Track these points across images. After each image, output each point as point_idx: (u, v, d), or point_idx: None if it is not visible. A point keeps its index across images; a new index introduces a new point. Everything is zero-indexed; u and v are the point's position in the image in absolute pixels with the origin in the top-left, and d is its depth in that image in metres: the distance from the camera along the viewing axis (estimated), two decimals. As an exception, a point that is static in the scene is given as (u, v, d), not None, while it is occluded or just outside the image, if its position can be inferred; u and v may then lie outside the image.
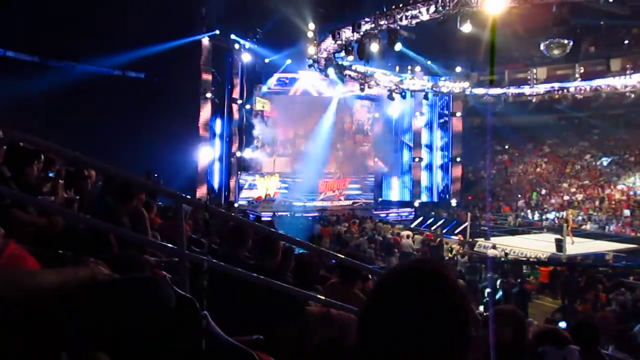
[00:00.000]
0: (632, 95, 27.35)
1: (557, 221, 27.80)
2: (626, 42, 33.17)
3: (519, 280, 16.07)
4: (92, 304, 1.50)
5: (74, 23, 20.24)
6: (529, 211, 31.66)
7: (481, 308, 10.05)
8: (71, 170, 5.21)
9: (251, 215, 18.03)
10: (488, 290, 14.84)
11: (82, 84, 22.20)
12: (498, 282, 15.02)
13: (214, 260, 3.52)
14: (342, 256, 4.64)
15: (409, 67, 31.32)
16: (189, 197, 5.91)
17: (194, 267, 3.29)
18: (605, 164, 33.13)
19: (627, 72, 27.69)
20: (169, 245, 3.50)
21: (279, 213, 27.88)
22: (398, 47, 19.62)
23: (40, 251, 2.15)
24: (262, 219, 18.07)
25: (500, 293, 13.64)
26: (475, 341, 2.36)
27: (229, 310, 3.03)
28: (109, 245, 3.55)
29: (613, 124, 34.87)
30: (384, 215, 32.01)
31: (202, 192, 27.11)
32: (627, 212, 27.87)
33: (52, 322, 1.47)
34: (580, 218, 28.52)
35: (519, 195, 33.68)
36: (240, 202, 29.53)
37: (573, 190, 32.06)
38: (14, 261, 1.73)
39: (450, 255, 21.06)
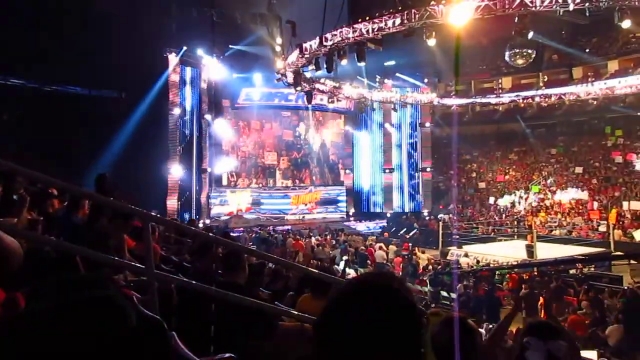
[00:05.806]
0: (595, 102, 28.03)
1: (526, 227, 28.16)
2: (587, 50, 34.04)
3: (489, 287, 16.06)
4: (35, 330, 1.43)
5: (35, 43, 19.95)
6: (497, 217, 32.02)
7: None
8: (35, 190, 5.09)
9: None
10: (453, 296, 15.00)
11: (49, 104, 21.88)
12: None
13: (184, 279, 3.45)
14: (314, 270, 4.60)
15: (377, 78, 31.61)
16: (158, 215, 5.82)
17: (163, 285, 3.21)
18: (571, 169, 33.72)
19: (589, 79, 28.37)
20: (137, 264, 3.42)
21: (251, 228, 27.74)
22: (362, 64, 20.09)
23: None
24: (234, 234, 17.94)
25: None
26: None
27: (200, 329, 2.96)
28: (75, 266, 3.44)
29: (577, 130, 35.65)
30: (357, 226, 32.08)
31: (172, 208, 26.81)
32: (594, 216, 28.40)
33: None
34: (549, 223, 28.96)
35: (489, 203, 34.08)
36: (213, 216, 29.42)
37: (541, 196, 32.53)
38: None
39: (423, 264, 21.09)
